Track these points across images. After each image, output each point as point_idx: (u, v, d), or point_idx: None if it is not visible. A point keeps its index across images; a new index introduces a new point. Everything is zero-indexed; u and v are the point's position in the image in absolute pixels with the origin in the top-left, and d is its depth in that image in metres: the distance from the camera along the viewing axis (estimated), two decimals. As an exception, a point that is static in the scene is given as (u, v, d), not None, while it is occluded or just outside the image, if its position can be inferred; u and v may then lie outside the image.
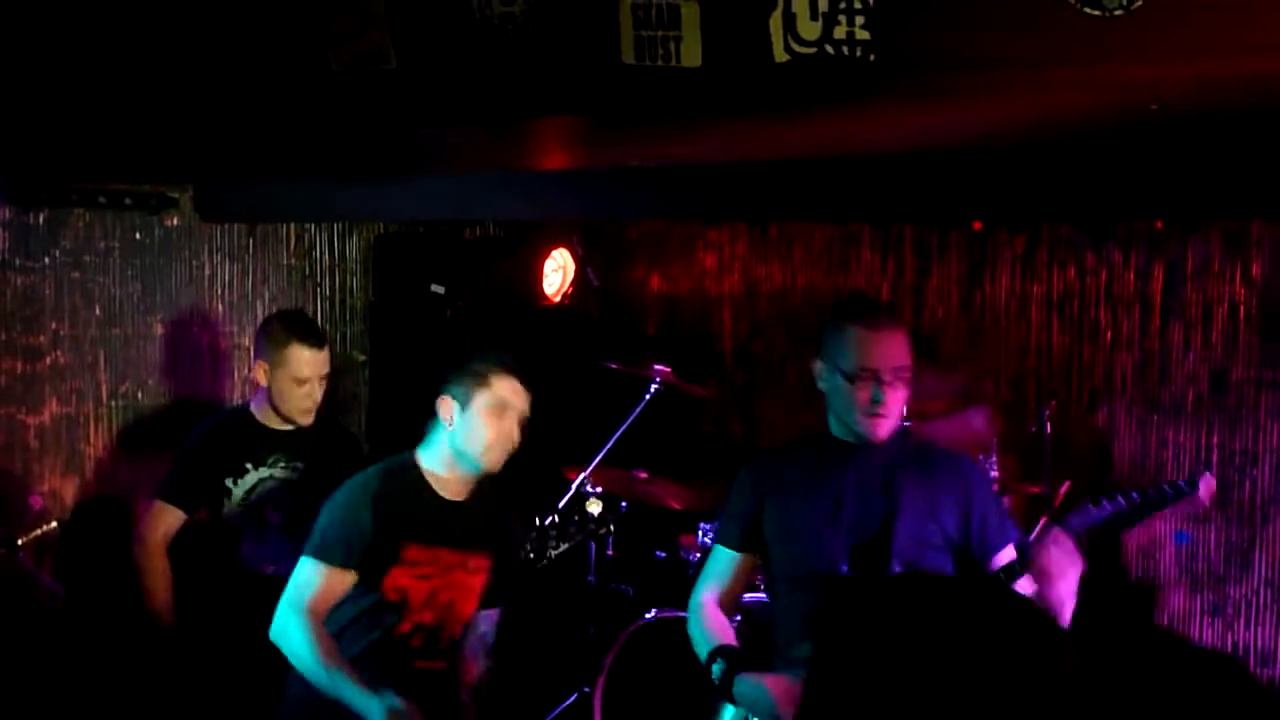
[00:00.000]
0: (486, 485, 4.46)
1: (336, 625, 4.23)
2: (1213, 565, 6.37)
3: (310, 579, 4.17)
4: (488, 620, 4.53)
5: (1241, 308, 6.23)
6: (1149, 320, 6.43)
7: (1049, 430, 6.01)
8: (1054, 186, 4.39)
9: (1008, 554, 3.81)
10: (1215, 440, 6.32)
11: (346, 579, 4.20)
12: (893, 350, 3.82)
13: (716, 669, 3.86)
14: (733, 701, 3.84)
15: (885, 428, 3.84)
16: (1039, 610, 3.28)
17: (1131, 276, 6.46)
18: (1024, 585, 3.67)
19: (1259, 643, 6.29)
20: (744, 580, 4.20)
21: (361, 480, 4.32)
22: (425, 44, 2.80)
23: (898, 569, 3.72)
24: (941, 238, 6.89)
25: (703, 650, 3.96)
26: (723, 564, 4.14)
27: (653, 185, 5.15)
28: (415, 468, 4.37)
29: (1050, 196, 4.52)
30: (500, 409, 4.38)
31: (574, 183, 5.36)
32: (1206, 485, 3.51)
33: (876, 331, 3.82)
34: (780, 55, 2.58)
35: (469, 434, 4.34)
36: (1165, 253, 6.37)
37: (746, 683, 3.78)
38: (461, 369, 4.41)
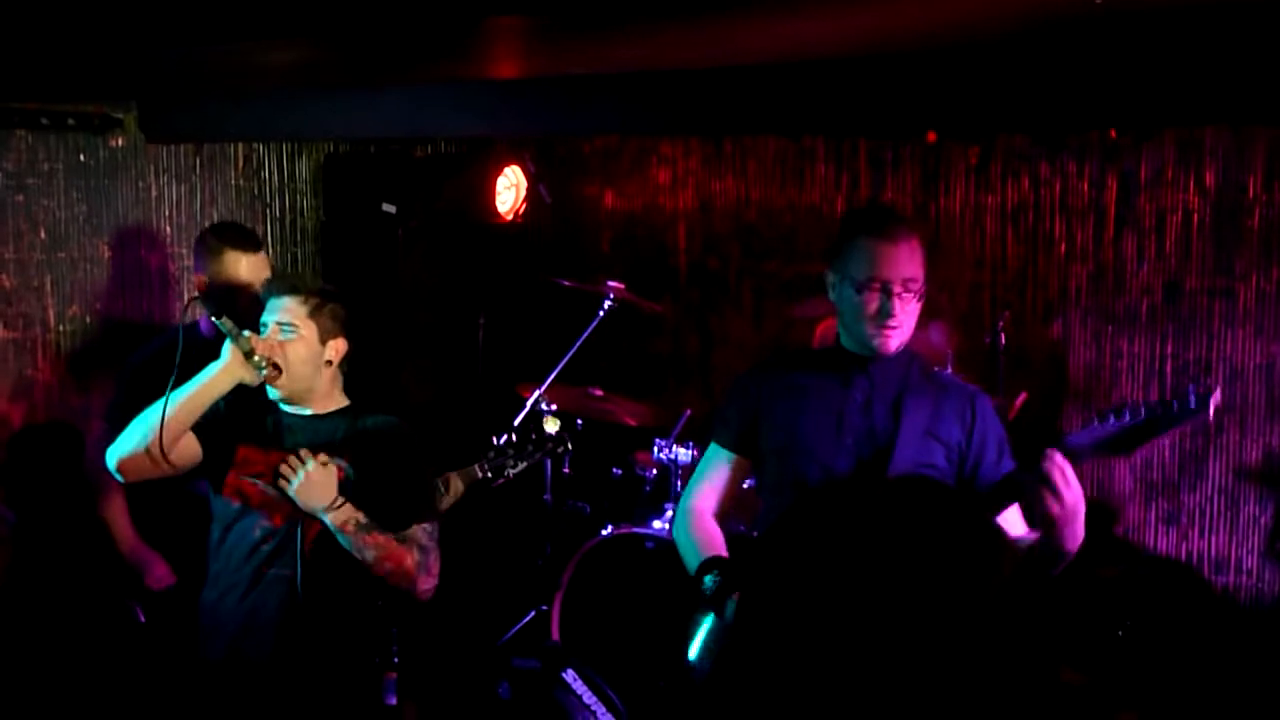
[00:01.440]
0: (344, 402, 4.37)
1: (213, 537, 4.28)
2: (1168, 474, 6.42)
3: None
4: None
5: (1195, 216, 6.24)
6: (1103, 231, 6.44)
7: (1004, 341, 6.03)
8: (1006, 94, 4.35)
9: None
10: (1169, 350, 6.35)
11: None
12: (903, 261, 3.66)
13: (709, 581, 3.76)
14: (722, 616, 3.74)
15: (895, 340, 3.71)
16: (982, 519, 3.32)
17: (1085, 187, 6.46)
18: (1014, 522, 3.60)
19: (1212, 550, 6.36)
20: (737, 484, 4.06)
21: None
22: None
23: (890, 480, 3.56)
24: (895, 151, 6.87)
25: (692, 561, 3.88)
26: (716, 465, 4.03)
27: (605, 99, 5.08)
28: None
29: (1003, 104, 4.47)
30: None
31: (526, 97, 5.28)
32: (1215, 403, 3.27)
33: (886, 241, 3.66)
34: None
35: None
36: (1119, 163, 6.38)
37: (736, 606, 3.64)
38: None
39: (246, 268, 5.08)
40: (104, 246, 5.97)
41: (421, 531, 4.23)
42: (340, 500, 4.08)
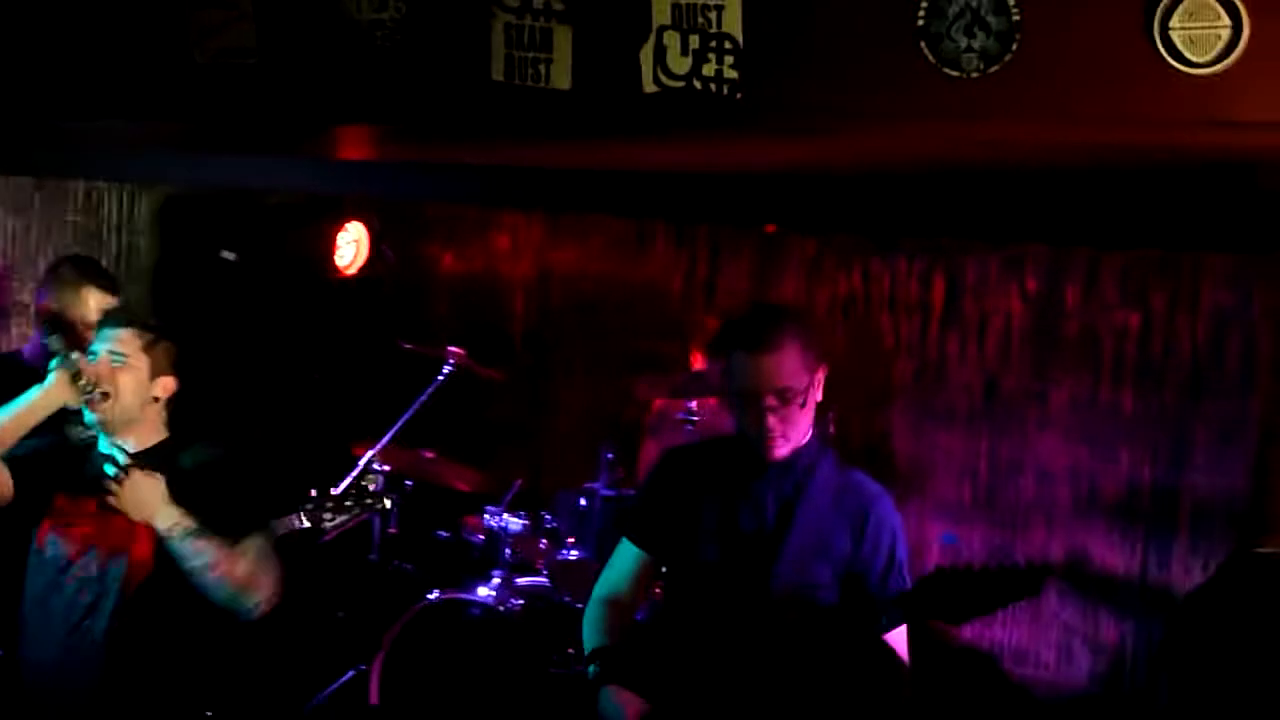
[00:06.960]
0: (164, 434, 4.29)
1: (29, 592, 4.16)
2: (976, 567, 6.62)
3: None
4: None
5: (1016, 320, 6.48)
6: (928, 329, 6.65)
7: (832, 431, 6.18)
8: (844, 203, 4.46)
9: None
10: (985, 447, 6.57)
11: None
12: (776, 372, 3.55)
13: (591, 671, 3.71)
14: (598, 704, 3.69)
15: (782, 448, 3.63)
16: (888, 651, 3.49)
17: (914, 285, 6.67)
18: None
19: (1013, 641, 6.58)
20: (645, 579, 3.92)
21: None
22: (291, 42, 2.78)
23: (773, 596, 3.59)
24: (735, 236, 7.02)
25: (588, 647, 3.80)
26: (624, 562, 3.92)
27: (452, 173, 5.13)
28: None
29: (840, 210, 4.59)
30: None
31: (373, 171, 5.33)
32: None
33: (757, 354, 3.56)
34: (649, 86, 2.65)
35: None
36: (947, 265, 6.59)
37: (608, 695, 3.64)
38: None
39: (101, 307, 5.01)
40: (-66, 278, 5.85)
41: (253, 543, 4.22)
42: (167, 503, 3.99)
